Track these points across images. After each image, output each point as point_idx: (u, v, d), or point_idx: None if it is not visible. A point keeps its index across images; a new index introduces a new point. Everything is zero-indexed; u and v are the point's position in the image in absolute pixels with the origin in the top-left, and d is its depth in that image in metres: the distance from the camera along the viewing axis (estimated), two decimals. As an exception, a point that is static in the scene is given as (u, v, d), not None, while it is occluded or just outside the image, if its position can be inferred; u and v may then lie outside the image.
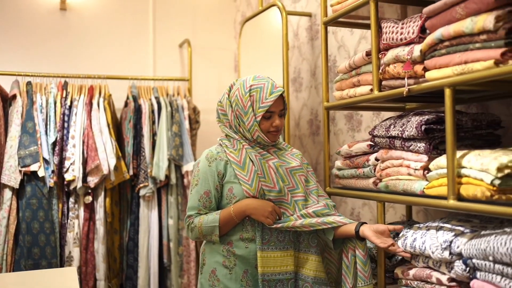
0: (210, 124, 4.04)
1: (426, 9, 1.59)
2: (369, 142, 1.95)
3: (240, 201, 1.84)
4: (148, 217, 3.41)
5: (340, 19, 2.11)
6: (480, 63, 1.39)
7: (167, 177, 3.41)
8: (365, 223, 1.77)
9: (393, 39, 1.74)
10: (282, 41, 2.83)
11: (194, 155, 3.55)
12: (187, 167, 3.42)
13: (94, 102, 3.41)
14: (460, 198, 1.46)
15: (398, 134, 1.73)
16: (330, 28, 3.01)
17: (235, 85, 1.94)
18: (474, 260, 1.42)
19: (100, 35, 3.95)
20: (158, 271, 3.41)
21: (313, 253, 1.85)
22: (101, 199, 3.32)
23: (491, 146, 1.73)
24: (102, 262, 3.28)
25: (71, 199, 3.27)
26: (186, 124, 3.49)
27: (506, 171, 1.35)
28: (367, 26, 2.27)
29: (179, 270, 3.46)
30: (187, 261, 3.47)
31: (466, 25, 1.43)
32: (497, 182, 1.36)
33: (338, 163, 2.17)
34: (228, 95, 1.93)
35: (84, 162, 3.26)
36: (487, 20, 1.36)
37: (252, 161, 1.87)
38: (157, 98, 3.55)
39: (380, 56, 1.82)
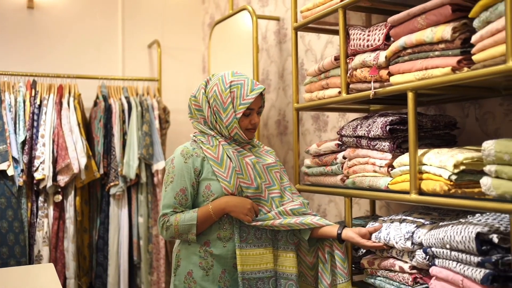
0: (179, 124, 4.11)
1: (390, 19, 1.72)
2: (337, 142, 2.08)
3: (219, 198, 1.80)
4: (118, 215, 3.44)
5: (310, 25, 2.23)
6: (439, 69, 1.53)
7: (138, 176, 3.45)
8: (346, 226, 1.84)
9: (360, 45, 1.86)
10: (252, 44, 2.93)
11: (164, 154, 3.60)
12: (157, 166, 3.47)
13: (64, 101, 3.42)
14: (421, 192, 1.60)
15: (364, 133, 1.85)
16: (298, 32, 3.13)
17: (212, 80, 1.89)
18: (433, 249, 1.56)
19: (69, 35, 3.95)
20: (128, 268, 3.45)
21: (292, 250, 1.86)
22: (71, 198, 3.33)
23: (448, 145, 1.89)
24: (72, 261, 3.30)
25: (41, 198, 3.27)
26: (156, 123, 3.54)
27: (462, 167, 1.50)
28: (335, 32, 2.40)
29: (149, 268, 3.51)
30: (156, 259, 3.53)
31: (427, 34, 1.57)
32: (453, 177, 1.50)
33: (307, 161, 2.29)
34: (205, 90, 1.88)
35: (54, 161, 3.27)
36: (445, 31, 1.50)
37: (229, 158, 1.83)
38: (127, 98, 3.59)
39: (348, 61, 1.94)
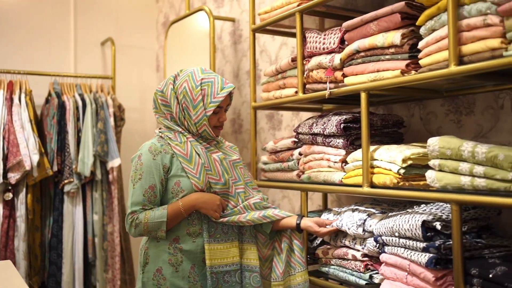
0: (133, 122, 4.11)
1: (345, 24, 1.84)
2: (294, 139, 2.18)
3: (189, 195, 1.82)
4: (73, 213, 3.41)
5: (267, 27, 2.33)
6: (390, 72, 1.66)
7: (93, 173, 3.44)
8: (303, 216, 1.94)
9: (316, 48, 1.98)
10: (210, 44, 3.00)
11: (119, 151, 3.60)
12: (112, 163, 3.47)
13: (15, 97, 3.36)
14: (372, 185, 1.73)
15: (320, 131, 1.97)
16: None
17: (181, 76, 1.90)
18: (383, 237, 1.69)
19: (19, 30, 3.86)
20: (83, 266, 3.43)
21: (254, 243, 1.93)
22: (22, 195, 3.27)
23: (396, 142, 2.03)
24: (23, 260, 3.24)
25: (-10, 196, 3.20)
26: (111, 121, 3.54)
27: (409, 162, 1.64)
28: (290, 34, 2.51)
29: (104, 265, 3.50)
30: (111, 256, 3.52)
31: (378, 39, 1.70)
32: (402, 171, 1.64)
33: (264, 158, 2.38)
34: (173, 86, 1.88)
35: (5, 158, 3.21)
36: (395, 37, 1.64)
37: (198, 154, 1.85)
38: (81, 95, 3.56)
39: (304, 62, 2.05)
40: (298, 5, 2.06)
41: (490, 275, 1.36)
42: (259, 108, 2.37)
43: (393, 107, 2.25)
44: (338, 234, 1.93)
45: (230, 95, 1.95)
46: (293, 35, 2.50)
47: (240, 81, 3.33)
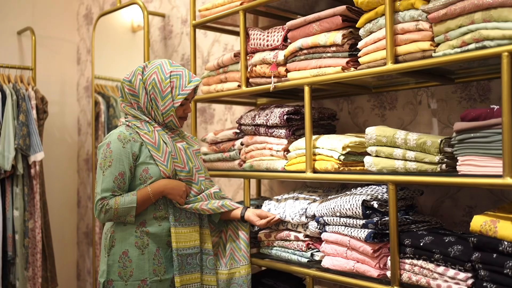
0: (53, 115, 3.98)
1: (289, 23, 2.00)
2: (235, 130, 2.30)
3: (157, 181, 1.90)
4: (-9, 209, 3.25)
5: (208, 24, 2.42)
6: (331, 68, 1.85)
7: (14, 167, 3.30)
8: (248, 207, 2.07)
9: (260, 44, 2.11)
10: (144, 38, 3.03)
11: (42, 145, 3.48)
12: (34, 157, 3.34)
13: None
14: (315, 171, 1.90)
15: (263, 122, 2.11)
16: (184, 30, 3.30)
17: (149, 67, 1.96)
18: (324, 218, 1.87)
19: None
20: (2, 264, 3.27)
21: (209, 228, 2.04)
22: None
23: (329, 133, 2.23)
24: None
25: None
26: (34, 113, 3.41)
27: (348, 149, 1.84)
28: (228, 31, 2.63)
29: (25, 263, 3.36)
30: (32, 253, 3.39)
31: (321, 38, 1.87)
32: (342, 157, 1.83)
33: (204, 148, 2.48)
34: (142, 77, 1.95)
35: None
36: (336, 37, 1.83)
37: (165, 143, 1.93)
38: (0, 86, 3.39)
39: (248, 57, 2.18)
40: (241, 4, 2.18)
41: (421, 244, 1.58)
42: (199, 101, 2.46)
43: (323, 102, 2.46)
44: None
45: (195, 88, 2.02)
46: (231, 32, 2.62)
47: (170, 76, 3.38)
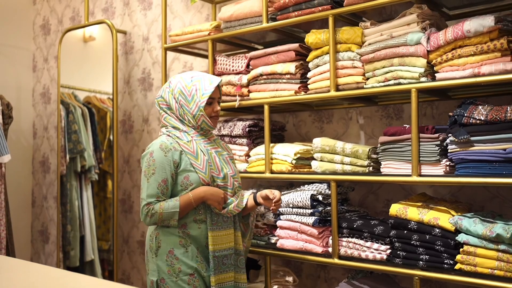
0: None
1: (251, 54, 2.49)
2: (202, 138, 2.74)
3: (198, 188, 2.03)
4: (-40, 208, 3.43)
5: (179, 48, 2.85)
6: (286, 91, 2.36)
7: (-18, 168, 3.50)
8: (255, 192, 2.22)
9: (226, 68, 2.58)
10: (112, 54, 3.40)
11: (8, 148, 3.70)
12: (1, 159, 3.56)
13: None
14: (272, 172, 2.40)
15: (228, 133, 2.58)
16: (145, 47, 3.69)
17: (173, 81, 2.14)
18: (280, 209, 2.37)
19: None
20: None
21: (240, 230, 2.19)
22: None
23: (280, 141, 2.73)
24: None
25: None
26: (0, 118, 3.63)
27: (298, 155, 2.35)
28: (194, 54, 3.07)
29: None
30: (-4, 250, 3.61)
31: (278, 67, 2.38)
32: (294, 161, 2.34)
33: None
34: (170, 89, 2.12)
35: None
36: (290, 67, 2.34)
37: (202, 151, 2.07)
38: (-35, 92, 3.58)
39: (215, 79, 2.63)
40: (208, 34, 2.64)
41: (354, 226, 2.13)
42: (169, 112, 2.87)
43: (272, 116, 2.96)
44: (242, 210, 2.55)
45: (219, 88, 2.17)
46: (199, 55, 3.06)
47: (131, 87, 3.75)
